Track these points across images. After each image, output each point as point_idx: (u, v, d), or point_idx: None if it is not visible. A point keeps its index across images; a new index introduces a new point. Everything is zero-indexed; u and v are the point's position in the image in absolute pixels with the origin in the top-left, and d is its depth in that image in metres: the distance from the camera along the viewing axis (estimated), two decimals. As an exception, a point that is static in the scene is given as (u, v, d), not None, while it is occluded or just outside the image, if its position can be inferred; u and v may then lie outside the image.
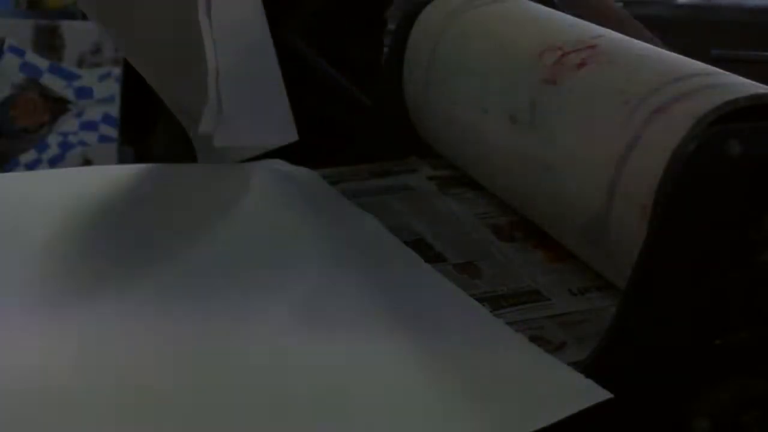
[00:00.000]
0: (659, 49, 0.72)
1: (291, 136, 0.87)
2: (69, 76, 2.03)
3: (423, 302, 0.68)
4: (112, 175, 0.88)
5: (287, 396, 0.58)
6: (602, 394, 0.56)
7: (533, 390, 0.58)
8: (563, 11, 0.88)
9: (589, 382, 0.57)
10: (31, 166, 2.05)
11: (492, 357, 0.61)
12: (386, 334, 0.64)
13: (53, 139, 2.04)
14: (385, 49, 0.97)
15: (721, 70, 0.67)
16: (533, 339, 0.64)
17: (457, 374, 0.59)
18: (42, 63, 2.04)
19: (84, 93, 2.03)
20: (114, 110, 2.04)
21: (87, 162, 2.04)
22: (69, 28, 2.07)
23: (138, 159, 1.88)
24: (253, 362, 0.61)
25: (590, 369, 0.58)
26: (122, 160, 1.99)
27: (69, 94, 2.04)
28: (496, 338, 0.63)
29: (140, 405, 0.57)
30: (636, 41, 0.75)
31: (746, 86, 0.63)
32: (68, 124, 2.04)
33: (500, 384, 0.58)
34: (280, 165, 0.90)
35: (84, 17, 2.15)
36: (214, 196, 0.84)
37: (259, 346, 0.62)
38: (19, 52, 2.14)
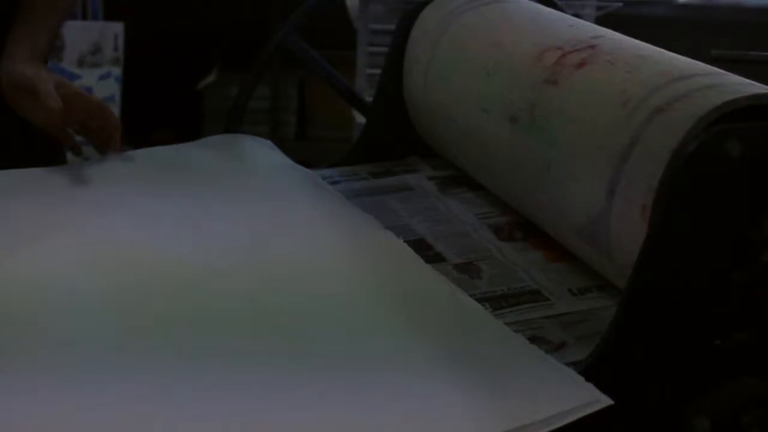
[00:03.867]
0: (659, 49, 0.72)
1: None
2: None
3: (421, 302, 0.68)
4: (112, 165, 0.88)
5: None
6: (603, 401, 0.56)
7: (533, 394, 0.57)
8: (563, 11, 0.88)
9: (590, 386, 0.56)
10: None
11: (491, 359, 0.61)
12: (382, 333, 0.64)
13: (53, 139, 2.04)
14: (386, 49, 0.96)
15: (721, 70, 0.67)
16: (533, 339, 0.64)
17: (456, 376, 0.59)
18: (42, 63, 2.03)
19: (84, 93, 2.03)
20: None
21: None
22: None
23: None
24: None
25: (590, 369, 0.58)
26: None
27: (69, 94, 2.04)
28: (496, 339, 0.63)
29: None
30: (636, 41, 0.75)
31: (746, 86, 0.63)
32: (68, 124, 2.04)
33: (500, 386, 0.58)
34: (270, 146, 0.91)
35: (84, 17, 2.15)
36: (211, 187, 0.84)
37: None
38: (19, 52, 2.14)
